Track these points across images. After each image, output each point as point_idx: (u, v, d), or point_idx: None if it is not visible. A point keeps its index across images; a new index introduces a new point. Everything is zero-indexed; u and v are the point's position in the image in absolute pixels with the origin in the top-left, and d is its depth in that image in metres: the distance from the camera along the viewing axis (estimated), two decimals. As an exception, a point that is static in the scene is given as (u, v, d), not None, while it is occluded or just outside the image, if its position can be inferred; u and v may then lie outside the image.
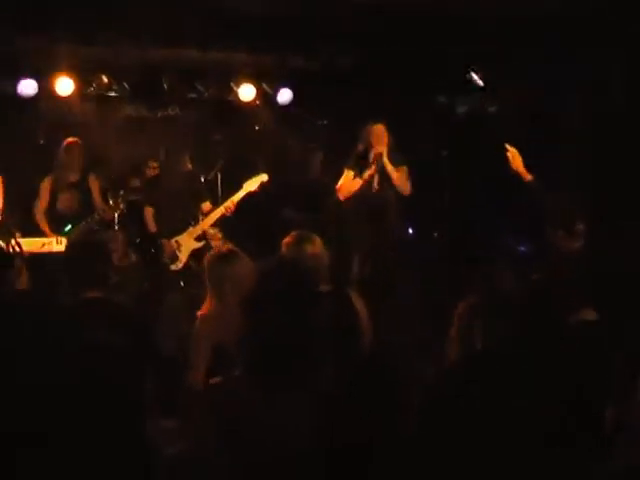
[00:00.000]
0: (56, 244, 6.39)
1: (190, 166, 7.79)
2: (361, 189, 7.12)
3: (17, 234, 6.02)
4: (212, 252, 4.73)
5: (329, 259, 4.61)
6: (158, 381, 4.09)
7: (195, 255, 7.31)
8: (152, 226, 7.52)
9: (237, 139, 9.55)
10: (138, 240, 8.29)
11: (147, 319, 4.78)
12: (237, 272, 4.25)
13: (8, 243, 5.66)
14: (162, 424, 3.80)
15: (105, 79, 8.14)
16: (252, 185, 7.39)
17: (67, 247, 4.95)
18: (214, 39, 7.91)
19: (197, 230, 7.35)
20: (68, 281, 3.95)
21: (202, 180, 8.09)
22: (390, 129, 7.21)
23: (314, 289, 2.99)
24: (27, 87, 7.68)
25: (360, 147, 7.20)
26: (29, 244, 6.20)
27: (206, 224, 7.36)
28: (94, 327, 3.33)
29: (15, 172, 7.72)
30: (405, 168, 7.19)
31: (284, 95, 8.76)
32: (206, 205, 7.48)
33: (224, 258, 4.41)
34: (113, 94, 8.53)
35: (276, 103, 8.85)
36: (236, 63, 8.33)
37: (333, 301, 4.14)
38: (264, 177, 7.46)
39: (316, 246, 4.45)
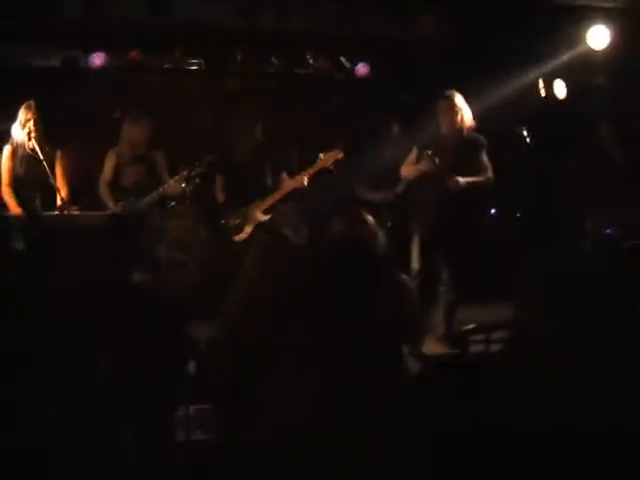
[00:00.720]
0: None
1: (263, 139, 7.50)
2: (428, 170, 6.45)
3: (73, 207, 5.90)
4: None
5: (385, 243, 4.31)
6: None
7: (261, 227, 7.09)
8: (221, 196, 7.30)
9: (313, 113, 9.22)
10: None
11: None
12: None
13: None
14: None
15: (177, 52, 7.94)
16: (327, 160, 7.08)
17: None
18: (290, 9, 7.66)
19: (267, 202, 7.11)
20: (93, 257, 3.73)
21: (275, 154, 7.80)
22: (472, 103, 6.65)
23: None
24: (96, 59, 7.58)
25: (427, 125, 6.69)
26: (86, 217, 6.10)
27: (276, 197, 7.12)
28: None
29: (82, 145, 7.69)
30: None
31: (362, 68, 8.41)
32: (282, 177, 7.23)
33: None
34: (185, 67, 8.39)
35: (354, 77, 8.52)
36: (313, 35, 8.00)
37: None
38: (339, 153, 7.14)
39: (367, 227, 4.13)
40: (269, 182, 7.24)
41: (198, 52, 8.28)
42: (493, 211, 8.32)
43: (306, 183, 7.07)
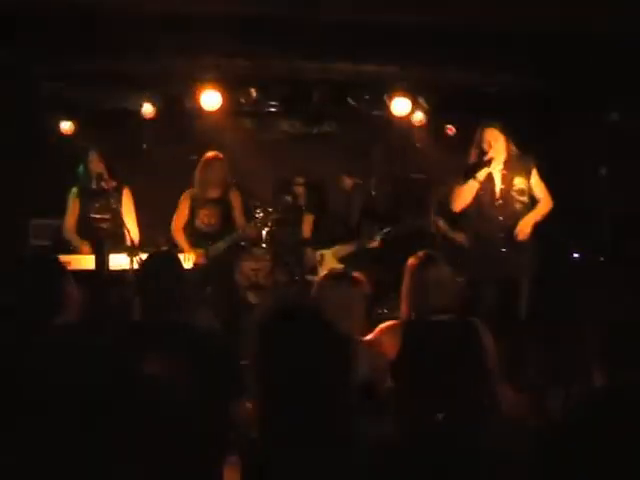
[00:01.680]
0: (185, 261, 6.18)
1: (348, 182, 7.44)
2: (482, 202, 6.08)
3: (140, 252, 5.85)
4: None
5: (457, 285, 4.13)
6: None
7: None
8: (307, 232, 7.23)
9: (395, 155, 9.09)
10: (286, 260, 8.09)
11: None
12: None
13: (132, 259, 5.50)
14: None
15: (254, 93, 7.93)
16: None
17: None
18: (366, 51, 7.56)
19: (342, 251, 7.01)
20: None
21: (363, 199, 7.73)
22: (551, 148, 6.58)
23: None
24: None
25: (474, 152, 6.22)
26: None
27: (349, 248, 7.01)
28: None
29: (157, 187, 7.74)
30: (534, 173, 6.17)
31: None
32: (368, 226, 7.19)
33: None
34: (263, 109, 8.40)
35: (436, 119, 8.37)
36: (389, 76, 7.88)
37: (456, 331, 3.87)
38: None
39: (441, 269, 3.95)
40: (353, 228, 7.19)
41: (277, 93, 8.25)
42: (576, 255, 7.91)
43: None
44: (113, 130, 8.18)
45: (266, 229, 8.23)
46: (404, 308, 3.96)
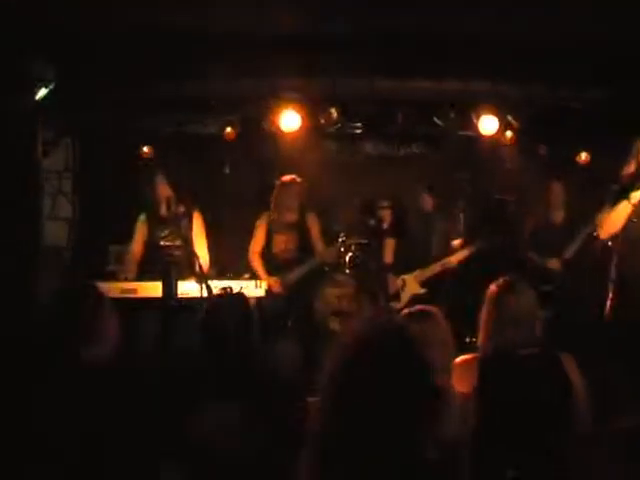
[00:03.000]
0: (255, 288, 5.94)
1: (428, 201, 7.10)
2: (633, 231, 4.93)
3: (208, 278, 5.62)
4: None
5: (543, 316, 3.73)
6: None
7: (414, 300, 6.64)
8: (389, 257, 6.94)
9: (483, 176, 8.70)
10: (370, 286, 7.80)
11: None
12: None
13: (201, 285, 5.28)
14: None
15: (334, 113, 7.69)
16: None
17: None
18: (450, 67, 7.24)
19: (423, 274, 6.69)
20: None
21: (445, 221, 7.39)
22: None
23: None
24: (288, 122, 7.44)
25: (629, 168, 5.06)
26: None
27: (431, 271, 6.67)
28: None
29: (238, 211, 7.56)
30: None
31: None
32: (457, 243, 6.80)
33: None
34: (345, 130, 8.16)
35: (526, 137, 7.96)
36: (476, 93, 7.51)
37: (540, 366, 3.42)
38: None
39: (525, 298, 3.54)
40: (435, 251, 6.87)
41: (359, 114, 7.99)
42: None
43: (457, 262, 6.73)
44: (192, 155, 8.07)
45: (349, 254, 8.00)
46: (482, 340, 3.57)
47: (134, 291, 5.73)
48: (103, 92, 6.93)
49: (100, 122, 7.62)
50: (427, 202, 6.99)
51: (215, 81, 7.01)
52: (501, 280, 3.65)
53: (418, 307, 3.79)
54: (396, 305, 6.77)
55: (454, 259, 6.71)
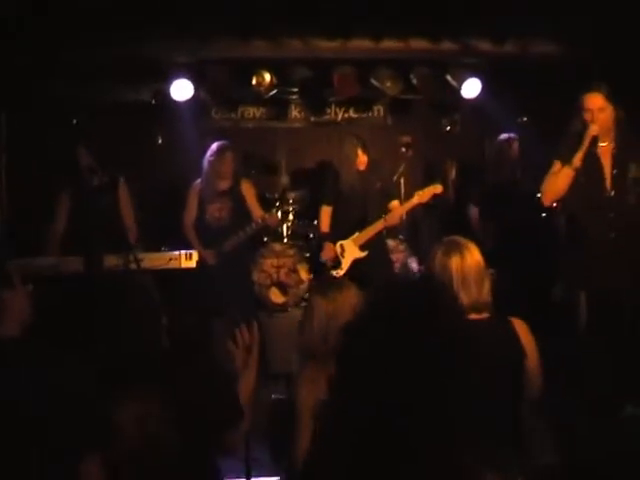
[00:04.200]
0: (185, 260, 5.61)
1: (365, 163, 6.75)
2: (587, 193, 4.76)
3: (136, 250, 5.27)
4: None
5: (492, 278, 3.48)
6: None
7: (356, 265, 6.47)
8: (325, 226, 6.65)
9: (425, 139, 8.45)
10: (307, 254, 7.53)
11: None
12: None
13: (126, 259, 4.94)
14: None
15: (267, 77, 7.36)
16: (424, 197, 6.36)
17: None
18: (388, 26, 6.98)
19: (362, 237, 6.42)
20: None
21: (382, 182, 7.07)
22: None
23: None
24: (180, 90, 7.13)
25: (573, 127, 4.84)
26: (153, 260, 5.44)
27: (369, 233, 6.42)
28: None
29: (159, 180, 7.22)
30: None
31: (472, 88, 7.58)
32: (394, 204, 6.51)
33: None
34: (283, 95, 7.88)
35: (461, 97, 7.72)
36: (414, 52, 7.25)
37: (491, 332, 3.20)
38: (438, 188, 6.41)
39: (471, 257, 3.29)
40: (373, 214, 6.58)
41: (293, 80, 7.68)
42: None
43: (398, 220, 6.48)
44: (122, 123, 7.68)
45: (287, 223, 7.73)
46: None
47: (55, 267, 5.35)
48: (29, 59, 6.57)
49: (26, 92, 7.18)
50: (361, 161, 6.62)
51: (145, 45, 6.69)
52: (444, 239, 3.41)
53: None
54: (338, 272, 6.50)
55: (394, 217, 6.39)
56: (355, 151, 6.50)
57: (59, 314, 5.11)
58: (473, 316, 3.19)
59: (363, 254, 6.47)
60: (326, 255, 6.53)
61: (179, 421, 2.58)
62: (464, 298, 3.17)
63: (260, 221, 6.42)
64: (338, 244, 6.50)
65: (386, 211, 6.48)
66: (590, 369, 4.18)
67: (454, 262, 3.23)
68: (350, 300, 3.22)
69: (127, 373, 2.67)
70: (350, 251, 6.48)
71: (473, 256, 3.27)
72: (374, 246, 6.51)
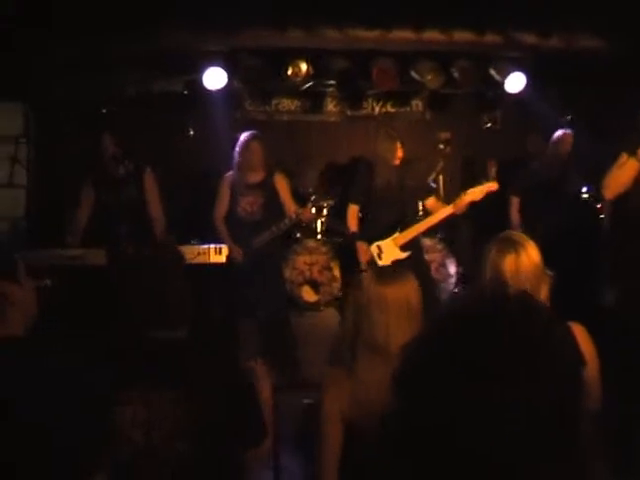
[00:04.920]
0: (214, 254, 5.38)
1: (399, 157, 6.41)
2: None
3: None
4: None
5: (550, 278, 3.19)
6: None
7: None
8: (353, 225, 6.32)
9: (465, 136, 8.16)
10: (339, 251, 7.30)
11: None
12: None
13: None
14: None
15: (304, 67, 7.12)
16: (477, 194, 6.00)
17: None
18: (430, 17, 6.71)
19: (404, 236, 6.12)
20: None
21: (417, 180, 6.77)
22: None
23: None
24: (213, 78, 6.92)
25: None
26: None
27: (413, 233, 6.12)
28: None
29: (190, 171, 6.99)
30: None
31: (516, 82, 7.29)
32: (430, 201, 6.24)
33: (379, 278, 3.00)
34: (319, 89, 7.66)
35: (504, 92, 7.43)
36: (456, 44, 6.96)
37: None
38: (493, 186, 6.05)
39: (526, 256, 3.00)
40: (410, 212, 6.29)
41: (330, 71, 7.42)
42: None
43: (465, 209, 6.04)
44: (153, 114, 7.50)
45: (321, 219, 7.49)
46: None
47: (80, 258, 5.17)
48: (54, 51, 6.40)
49: (52, 84, 7.01)
50: (398, 156, 6.30)
51: (172, 35, 6.48)
52: (498, 236, 3.12)
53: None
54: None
55: (461, 205, 6.03)
56: (394, 146, 6.20)
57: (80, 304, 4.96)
58: None
59: (404, 255, 6.12)
60: (362, 257, 6.20)
61: (193, 433, 2.37)
62: None
63: (294, 216, 6.14)
64: (375, 245, 6.18)
65: (420, 209, 6.20)
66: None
67: (508, 261, 2.95)
68: (413, 289, 2.92)
69: (136, 371, 2.47)
70: (389, 252, 6.14)
71: (530, 255, 2.97)
72: (411, 247, 6.21)
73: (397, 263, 6.07)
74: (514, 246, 2.98)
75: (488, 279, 2.98)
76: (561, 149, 6.79)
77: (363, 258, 6.14)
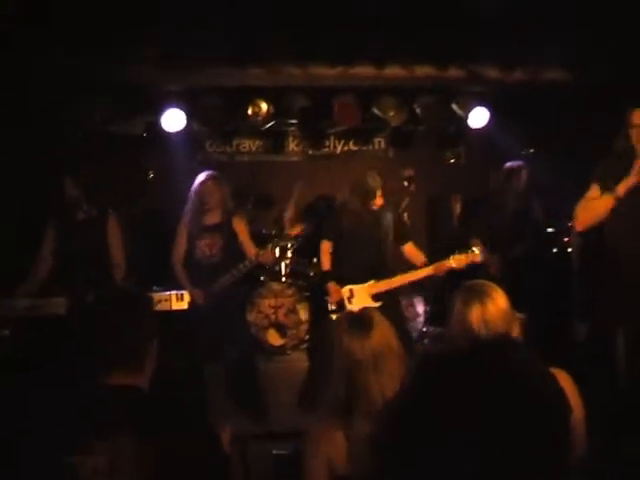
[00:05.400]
0: (176, 301, 5.17)
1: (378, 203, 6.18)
2: (630, 224, 4.28)
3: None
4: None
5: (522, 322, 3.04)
6: None
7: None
8: (326, 264, 6.10)
9: (428, 172, 8.06)
10: (308, 293, 7.09)
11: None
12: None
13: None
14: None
15: (264, 107, 6.99)
16: (461, 262, 5.70)
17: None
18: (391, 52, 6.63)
19: (380, 286, 5.88)
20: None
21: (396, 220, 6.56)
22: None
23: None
24: (172, 120, 6.78)
25: (616, 147, 4.39)
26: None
27: (388, 285, 5.89)
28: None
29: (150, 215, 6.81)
30: None
31: (479, 117, 7.22)
32: (408, 247, 6.04)
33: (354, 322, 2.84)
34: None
35: (467, 128, 7.36)
36: (418, 80, 6.88)
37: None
38: (477, 257, 5.72)
39: (493, 307, 2.85)
40: (387, 256, 6.06)
41: (291, 109, 7.29)
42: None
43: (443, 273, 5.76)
44: (112, 156, 7.31)
45: (285, 261, 7.30)
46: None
47: (35, 309, 4.91)
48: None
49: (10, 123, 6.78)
50: (380, 197, 6.09)
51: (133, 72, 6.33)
52: (463, 285, 2.99)
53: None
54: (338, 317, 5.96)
55: (416, 276, 5.84)
56: (378, 186, 5.98)
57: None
58: None
59: (376, 305, 5.78)
60: (332, 297, 6.01)
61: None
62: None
63: (254, 258, 5.94)
64: (347, 288, 5.98)
65: (399, 254, 6.01)
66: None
67: (474, 312, 2.82)
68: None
69: (97, 419, 2.32)
70: (360, 298, 5.91)
71: (496, 303, 2.85)
72: (387, 297, 5.92)
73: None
74: (479, 296, 2.86)
75: (456, 331, 2.84)
76: (514, 182, 6.66)
77: (333, 299, 5.95)
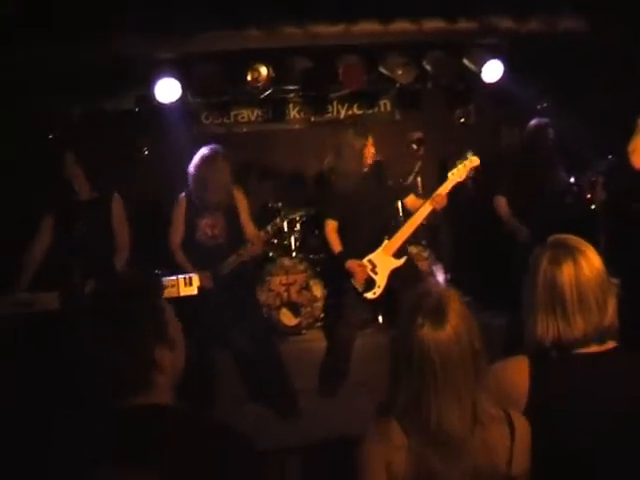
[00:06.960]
0: (184, 286, 4.71)
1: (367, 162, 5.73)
2: None
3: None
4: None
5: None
6: None
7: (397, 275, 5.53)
8: (336, 244, 5.65)
9: (436, 131, 7.60)
10: (318, 268, 6.68)
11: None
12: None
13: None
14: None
15: (264, 71, 6.54)
16: (461, 173, 5.47)
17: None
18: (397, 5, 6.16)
19: (395, 243, 5.51)
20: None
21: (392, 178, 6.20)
22: None
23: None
24: (166, 90, 6.33)
25: None
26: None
27: (403, 237, 5.53)
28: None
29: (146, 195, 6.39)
30: None
31: (493, 71, 6.77)
32: (410, 199, 5.66)
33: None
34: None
35: (478, 84, 6.93)
36: (427, 34, 6.41)
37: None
38: (475, 161, 5.50)
39: (588, 267, 2.33)
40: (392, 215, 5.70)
41: (293, 73, 6.84)
42: None
43: (445, 201, 5.43)
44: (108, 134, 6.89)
45: (294, 235, 6.90)
46: (532, 331, 2.39)
47: (28, 304, 4.48)
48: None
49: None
50: (370, 155, 5.68)
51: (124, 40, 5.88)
52: (547, 242, 2.45)
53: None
54: (375, 293, 5.57)
55: (440, 199, 5.44)
56: (365, 144, 5.56)
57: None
58: (593, 348, 2.33)
59: (401, 261, 5.54)
60: (357, 277, 5.56)
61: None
62: (580, 323, 2.30)
63: (249, 244, 5.51)
64: (366, 260, 5.57)
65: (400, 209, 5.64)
66: None
67: (566, 273, 2.32)
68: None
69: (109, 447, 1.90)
70: (384, 263, 5.53)
71: (591, 263, 2.33)
72: (404, 252, 5.63)
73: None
74: (571, 253, 2.34)
75: (542, 298, 2.35)
76: (540, 143, 6.22)
77: (359, 278, 5.52)
